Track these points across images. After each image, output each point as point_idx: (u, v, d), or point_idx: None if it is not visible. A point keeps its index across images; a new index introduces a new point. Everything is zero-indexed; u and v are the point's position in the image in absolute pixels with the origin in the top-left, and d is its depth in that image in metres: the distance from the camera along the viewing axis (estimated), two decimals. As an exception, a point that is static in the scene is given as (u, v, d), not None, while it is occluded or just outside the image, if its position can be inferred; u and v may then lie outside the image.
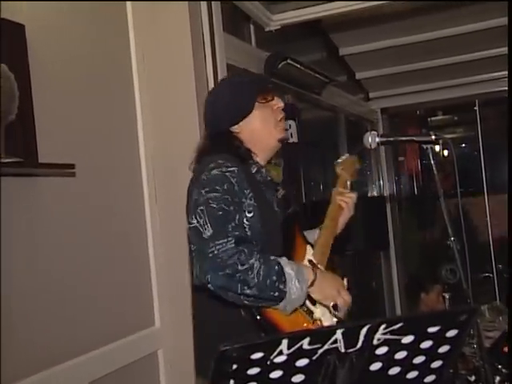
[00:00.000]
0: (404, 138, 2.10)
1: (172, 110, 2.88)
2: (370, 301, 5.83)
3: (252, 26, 3.97)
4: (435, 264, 6.22)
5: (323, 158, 5.74)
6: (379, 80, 5.62)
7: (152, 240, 2.88)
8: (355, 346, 1.25)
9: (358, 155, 2.36)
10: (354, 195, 2.13)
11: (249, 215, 1.72)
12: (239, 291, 1.58)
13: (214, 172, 1.71)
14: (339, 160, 2.25)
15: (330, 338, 1.23)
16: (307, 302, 1.75)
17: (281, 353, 1.19)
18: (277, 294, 1.61)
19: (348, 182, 2.19)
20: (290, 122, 4.29)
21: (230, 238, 1.60)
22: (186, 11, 2.85)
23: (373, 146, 2.02)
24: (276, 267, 1.62)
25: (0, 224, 2.02)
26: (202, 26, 2.97)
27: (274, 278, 1.60)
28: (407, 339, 1.28)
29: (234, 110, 1.88)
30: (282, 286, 1.61)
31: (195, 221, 1.66)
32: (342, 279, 1.83)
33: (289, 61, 3.95)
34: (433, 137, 1.98)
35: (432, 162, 2.00)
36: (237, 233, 1.63)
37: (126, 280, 2.68)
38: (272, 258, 1.65)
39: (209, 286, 1.59)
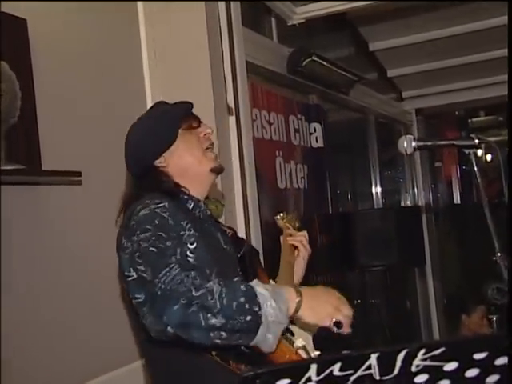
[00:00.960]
0: (444, 143, 2.09)
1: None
2: (403, 323, 5.78)
3: (273, 20, 4.00)
4: (479, 282, 6.15)
5: (351, 164, 5.73)
6: (413, 78, 5.61)
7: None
8: (391, 372, 1.24)
9: (295, 214, 2.38)
10: (305, 233, 2.14)
11: (191, 246, 1.66)
12: (203, 323, 1.44)
13: (142, 213, 1.66)
14: (278, 215, 2.26)
15: (363, 364, 1.22)
16: (285, 331, 1.64)
17: (309, 379, 1.18)
18: (249, 317, 1.47)
19: (294, 230, 2.21)
20: (315, 124, 4.30)
21: (172, 265, 1.52)
22: (202, 4, 2.89)
23: (409, 152, 2.00)
24: (242, 287, 1.50)
25: (0, 237, 2.04)
26: (219, 20, 3.00)
27: (242, 299, 1.48)
28: (450, 366, 1.26)
29: (155, 140, 1.87)
30: (256, 308, 1.48)
31: (134, 273, 1.59)
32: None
33: (314, 57, 3.96)
34: (476, 140, 1.96)
35: (475, 168, 1.99)
36: (181, 261, 1.55)
37: (115, 309, 2.66)
38: (236, 279, 1.60)
39: (168, 329, 1.48)
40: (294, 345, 1.67)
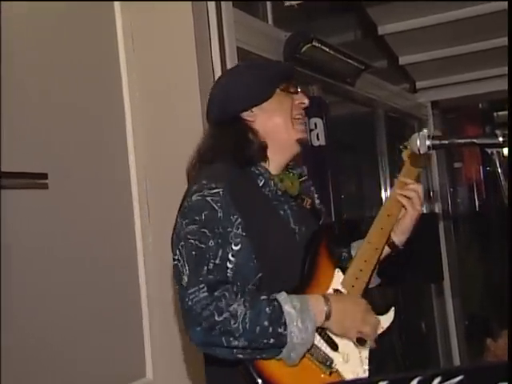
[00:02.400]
0: (463, 141, 2.09)
1: (169, 108, 2.93)
2: (419, 347, 5.81)
3: (268, 1, 4.02)
4: (504, 301, 6.18)
5: (357, 165, 5.75)
6: (429, 65, 5.64)
7: (144, 276, 2.93)
8: (403, 402, 1.27)
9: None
10: (419, 187, 2.11)
11: (235, 248, 1.77)
12: (225, 344, 1.66)
13: (195, 198, 1.80)
14: (406, 143, 2.19)
15: (371, 393, 1.25)
16: (324, 348, 1.78)
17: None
18: (272, 341, 1.67)
19: (416, 173, 2.17)
20: (316, 119, 4.32)
21: (201, 285, 1.69)
22: (186, -19, 2.92)
23: (422, 151, 2.01)
24: (267, 308, 1.68)
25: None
26: (206, 1, 3.02)
27: (266, 322, 1.66)
28: (469, 396, 1.29)
29: (250, 91, 1.94)
30: (280, 330, 1.67)
31: (176, 257, 1.77)
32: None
33: (314, 43, 3.98)
34: (501, 138, 1.97)
35: (499, 169, 1.99)
36: (211, 276, 1.70)
37: (113, 325, 2.73)
38: (263, 297, 1.70)
39: (191, 343, 1.70)
40: (332, 365, 1.79)
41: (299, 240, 1.91)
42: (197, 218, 1.76)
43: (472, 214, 7.67)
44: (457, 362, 6.15)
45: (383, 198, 5.64)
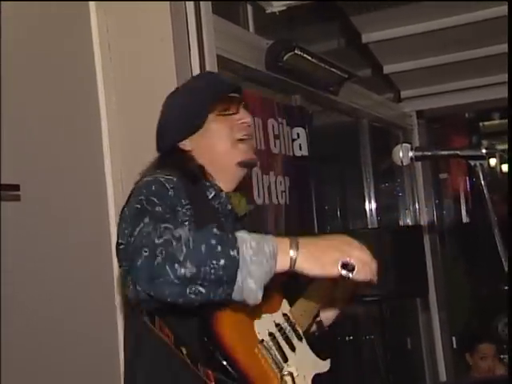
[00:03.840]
0: (446, 153, 2.12)
1: (146, 116, 2.91)
2: (403, 363, 5.82)
3: (250, 7, 4.04)
4: (489, 316, 6.22)
5: (341, 176, 5.77)
6: (414, 74, 5.68)
7: (119, 287, 2.91)
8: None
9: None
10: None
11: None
12: (172, 275, 1.46)
13: (145, 179, 1.77)
14: None
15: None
16: (276, 354, 1.77)
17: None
18: (222, 261, 1.47)
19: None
20: (299, 129, 4.34)
21: (146, 220, 1.59)
22: (165, -13, 2.93)
23: (405, 163, 2.04)
24: (215, 230, 1.52)
25: None
26: (185, 7, 3.03)
27: (213, 241, 1.49)
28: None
29: (182, 121, 1.96)
30: (232, 252, 1.48)
31: (124, 240, 1.64)
32: None
33: (296, 51, 4.00)
34: (484, 150, 1.99)
35: (482, 182, 2.01)
36: (158, 214, 1.61)
37: (89, 349, 2.71)
38: (211, 225, 1.57)
39: (138, 289, 1.52)
40: (283, 370, 1.76)
41: None
42: (144, 190, 1.70)
43: (458, 225, 7.72)
44: (443, 378, 6.17)
45: (367, 208, 5.66)
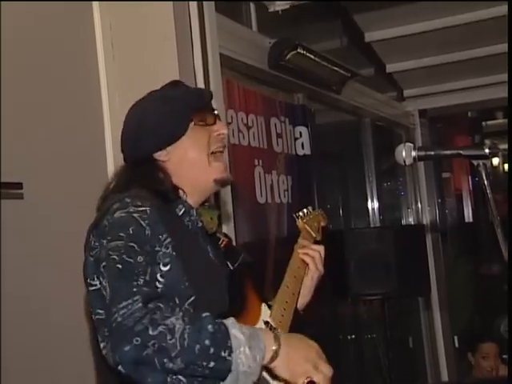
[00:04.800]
0: (449, 152, 2.12)
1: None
2: (405, 363, 5.82)
3: (253, 6, 4.04)
4: (492, 316, 6.21)
5: (343, 174, 5.77)
6: (416, 73, 5.68)
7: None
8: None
9: (322, 211, 2.44)
10: (321, 248, 2.11)
11: (164, 268, 1.68)
12: (158, 367, 1.48)
13: (118, 215, 1.69)
14: (300, 213, 2.28)
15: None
16: (264, 375, 1.68)
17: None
18: (213, 364, 1.49)
19: (312, 240, 2.21)
20: (301, 128, 4.34)
21: (136, 297, 1.53)
22: (168, -14, 2.93)
23: (408, 162, 2.04)
24: (210, 326, 1.52)
25: None
26: (188, 6, 3.03)
27: (208, 342, 1.49)
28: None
29: (161, 129, 1.88)
30: (224, 354, 1.50)
31: (97, 282, 1.65)
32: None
33: (299, 50, 4.01)
34: (487, 150, 1.99)
35: (485, 182, 2.01)
36: (145, 289, 1.57)
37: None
38: (205, 314, 1.57)
39: (119, 368, 1.51)
40: None
41: (222, 273, 1.86)
42: (122, 233, 1.65)
43: (461, 225, 7.71)
44: (445, 377, 6.17)
45: (369, 207, 5.66)
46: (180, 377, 1.53)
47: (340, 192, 5.63)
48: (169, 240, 1.71)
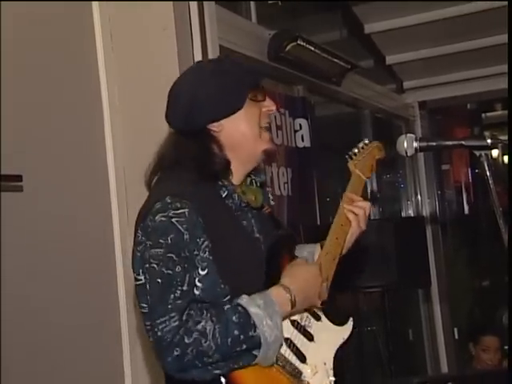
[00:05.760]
0: (450, 143, 2.13)
1: (149, 107, 2.92)
2: (406, 354, 5.83)
3: (252, -2, 4.04)
4: (492, 308, 6.22)
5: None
6: (416, 65, 5.67)
7: (123, 280, 2.92)
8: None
9: (379, 143, 2.42)
10: (367, 205, 2.13)
11: (202, 272, 1.77)
12: (200, 365, 1.68)
13: (159, 218, 1.77)
14: (354, 150, 2.28)
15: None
16: (293, 359, 1.82)
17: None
18: (245, 346, 1.70)
19: (362, 184, 2.21)
20: (301, 120, 4.33)
21: (172, 314, 1.69)
22: (167, -23, 2.92)
23: (409, 153, 2.04)
24: (234, 317, 1.70)
25: None
26: (187, -2, 3.03)
27: (236, 331, 1.69)
28: (456, 403, 1.31)
29: (219, 101, 1.91)
30: (251, 333, 1.70)
31: (142, 277, 1.77)
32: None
33: (299, 41, 4.00)
34: (489, 141, 1.99)
35: (487, 173, 2.01)
36: (179, 302, 1.71)
37: (90, 337, 2.72)
38: (227, 306, 1.73)
39: (167, 371, 1.72)
40: (301, 376, 1.81)
41: (262, 249, 1.93)
42: (162, 241, 1.75)
43: (460, 217, 7.71)
44: (445, 369, 6.18)
45: (369, 200, 5.64)
46: (220, 363, 1.70)
47: (340, 184, 5.62)
48: (206, 243, 1.78)
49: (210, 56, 3.08)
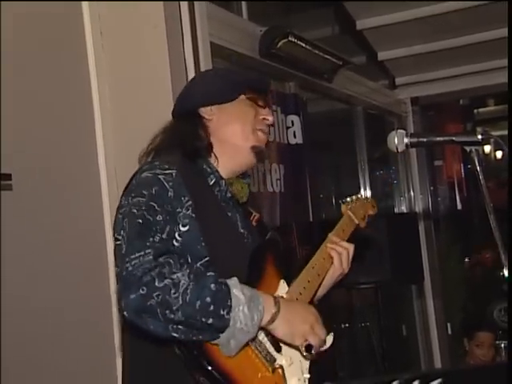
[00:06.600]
0: (441, 139, 2.12)
1: (140, 104, 2.92)
2: (399, 350, 5.84)
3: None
4: (485, 302, 6.23)
5: (336, 163, 5.77)
6: (408, 61, 5.67)
7: (114, 278, 2.90)
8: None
9: (373, 199, 2.44)
10: (350, 247, 2.11)
11: (183, 229, 1.76)
12: (160, 317, 1.59)
13: (145, 175, 1.80)
14: (347, 198, 2.29)
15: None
16: (269, 347, 1.77)
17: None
18: (211, 321, 1.61)
19: (352, 227, 2.21)
20: (293, 117, 4.33)
21: (148, 251, 1.64)
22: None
23: (400, 149, 2.04)
24: (213, 285, 1.63)
25: None
26: (177, -6, 3.02)
27: (208, 299, 1.61)
28: (447, 400, 1.30)
29: (211, 88, 1.98)
30: (223, 312, 1.62)
31: (120, 237, 1.72)
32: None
33: (290, 38, 3.99)
34: (479, 136, 1.99)
35: (478, 168, 2.02)
36: (158, 245, 1.67)
37: (83, 336, 2.70)
38: (210, 273, 1.67)
39: (124, 314, 1.63)
40: (275, 363, 1.77)
41: (247, 244, 1.92)
42: (145, 192, 1.75)
43: (453, 213, 7.73)
44: (438, 364, 6.19)
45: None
46: (180, 326, 1.61)
47: (332, 181, 5.63)
48: (190, 202, 1.78)
49: (201, 53, 3.07)
